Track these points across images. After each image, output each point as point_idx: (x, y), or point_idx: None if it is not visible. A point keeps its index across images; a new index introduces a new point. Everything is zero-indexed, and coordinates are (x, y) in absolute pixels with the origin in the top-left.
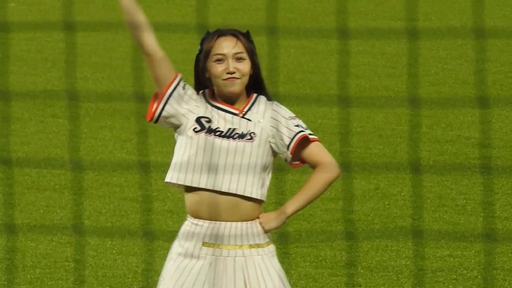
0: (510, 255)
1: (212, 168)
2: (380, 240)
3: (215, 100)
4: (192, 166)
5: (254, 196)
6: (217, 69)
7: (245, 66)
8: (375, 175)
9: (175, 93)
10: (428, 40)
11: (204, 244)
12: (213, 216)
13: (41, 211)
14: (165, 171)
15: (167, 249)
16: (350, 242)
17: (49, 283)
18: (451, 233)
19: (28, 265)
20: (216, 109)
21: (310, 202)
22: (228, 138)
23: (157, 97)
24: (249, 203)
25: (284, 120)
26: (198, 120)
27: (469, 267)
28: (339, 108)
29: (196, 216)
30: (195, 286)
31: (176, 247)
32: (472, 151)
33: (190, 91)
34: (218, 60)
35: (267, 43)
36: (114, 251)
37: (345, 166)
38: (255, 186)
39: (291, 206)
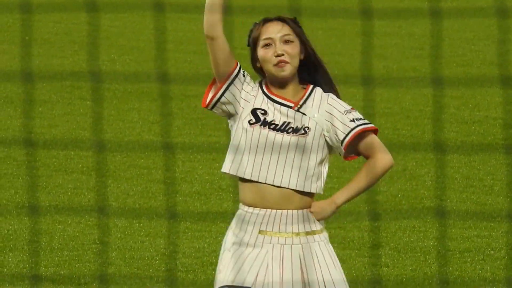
0: None
1: (266, 162)
2: (407, 221)
3: (271, 91)
4: (246, 159)
5: (307, 190)
6: (266, 54)
7: (294, 49)
8: (403, 156)
9: (236, 80)
10: (455, 21)
11: (260, 232)
12: (269, 205)
13: (68, 193)
14: (192, 153)
15: (195, 230)
16: (378, 223)
17: (76, 265)
18: (479, 214)
19: (56, 247)
20: (271, 101)
21: (360, 192)
22: (282, 132)
23: (214, 83)
24: (306, 193)
25: (339, 114)
26: (253, 112)
27: (497, 248)
28: (366, 90)
29: (251, 204)
30: (251, 274)
31: (231, 237)
32: (500, 132)
33: (249, 78)
34: (266, 45)
35: None
36: (142, 233)
37: None
38: (310, 180)
39: (342, 196)
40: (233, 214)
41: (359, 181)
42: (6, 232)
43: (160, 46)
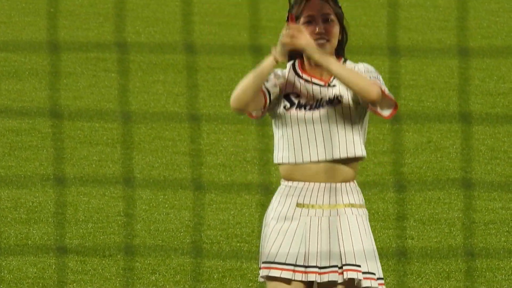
0: None
1: (305, 142)
2: (432, 193)
3: (304, 71)
4: (292, 144)
5: (358, 155)
6: (307, 30)
7: (335, 28)
8: (428, 127)
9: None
10: None
11: (298, 205)
12: (308, 178)
13: (93, 165)
14: (217, 125)
15: (220, 202)
16: (403, 194)
17: (101, 238)
18: (504, 186)
19: (81, 219)
20: (304, 82)
21: (340, 76)
22: (318, 108)
23: None
24: (348, 166)
25: (362, 72)
26: (287, 96)
27: None
28: (391, 61)
29: (290, 179)
30: (292, 248)
31: (270, 212)
32: None
33: (273, 75)
34: (307, 23)
35: None
36: (166, 205)
37: (397, 119)
38: (357, 144)
39: (335, 64)
40: (258, 186)
41: (349, 72)
42: (31, 204)
43: (185, 18)
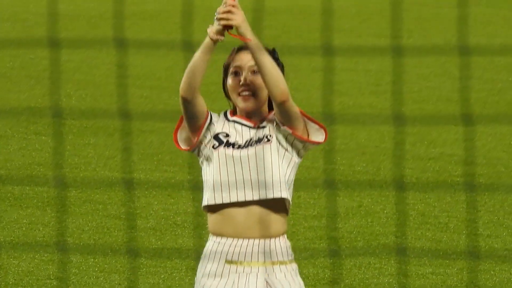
0: (492, 273)
1: (238, 181)
2: (363, 258)
3: (234, 115)
4: (219, 184)
5: (284, 196)
6: (233, 81)
7: (261, 80)
8: (359, 192)
9: (210, 125)
10: (412, 58)
11: (227, 261)
12: (237, 233)
13: (24, 228)
14: (148, 188)
15: (150, 266)
16: (333, 259)
17: None
18: (434, 251)
19: (10, 282)
20: (233, 123)
21: (262, 63)
22: (246, 147)
23: (182, 121)
24: (274, 216)
25: None
26: (216, 136)
27: (452, 285)
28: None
29: (219, 234)
30: None
31: (200, 268)
32: (455, 169)
33: (215, 116)
34: (235, 73)
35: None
36: (97, 269)
37: (329, 183)
38: (283, 186)
39: (262, 51)
40: (189, 250)
41: (264, 54)
42: None
43: (116, 81)
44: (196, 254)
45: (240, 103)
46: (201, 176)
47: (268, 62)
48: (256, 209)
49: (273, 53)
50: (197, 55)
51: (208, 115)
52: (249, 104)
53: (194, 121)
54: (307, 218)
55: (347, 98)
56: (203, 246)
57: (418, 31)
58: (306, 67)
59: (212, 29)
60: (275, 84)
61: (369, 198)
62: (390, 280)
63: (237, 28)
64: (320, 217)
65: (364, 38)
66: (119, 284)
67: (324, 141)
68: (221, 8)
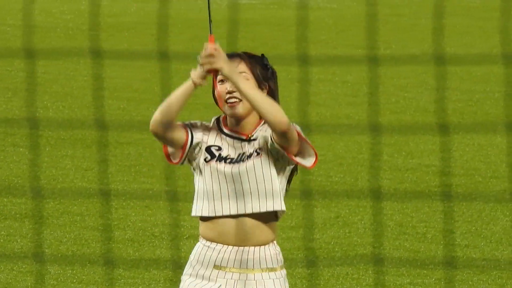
0: (470, 283)
1: (231, 195)
2: (340, 268)
3: (226, 126)
4: (212, 196)
5: (277, 208)
6: (219, 89)
7: None
8: (336, 203)
9: (193, 144)
10: (389, 68)
11: (215, 267)
12: (227, 241)
13: (1, 240)
14: (126, 200)
15: (128, 277)
16: (311, 270)
17: None
18: (412, 261)
19: None
20: (226, 136)
21: (255, 101)
22: (238, 162)
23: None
24: (265, 224)
25: None
26: (208, 149)
27: None
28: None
29: (209, 239)
30: None
31: (187, 268)
32: (433, 179)
33: (198, 123)
34: (221, 81)
35: None
36: (75, 280)
37: (306, 194)
38: (276, 198)
39: (252, 89)
40: (166, 261)
41: (256, 93)
42: None
43: (94, 93)
44: (174, 265)
45: (228, 110)
46: (179, 187)
47: (260, 100)
48: (248, 220)
49: (262, 59)
50: (176, 95)
51: (188, 138)
52: (236, 111)
53: (173, 145)
54: (285, 228)
55: (324, 109)
56: (181, 257)
57: (395, 41)
58: (283, 78)
59: (196, 74)
60: (272, 115)
61: (347, 208)
62: None
63: (220, 71)
64: (298, 227)
65: (341, 49)
66: None
67: (311, 167)
68: (203, 53)
